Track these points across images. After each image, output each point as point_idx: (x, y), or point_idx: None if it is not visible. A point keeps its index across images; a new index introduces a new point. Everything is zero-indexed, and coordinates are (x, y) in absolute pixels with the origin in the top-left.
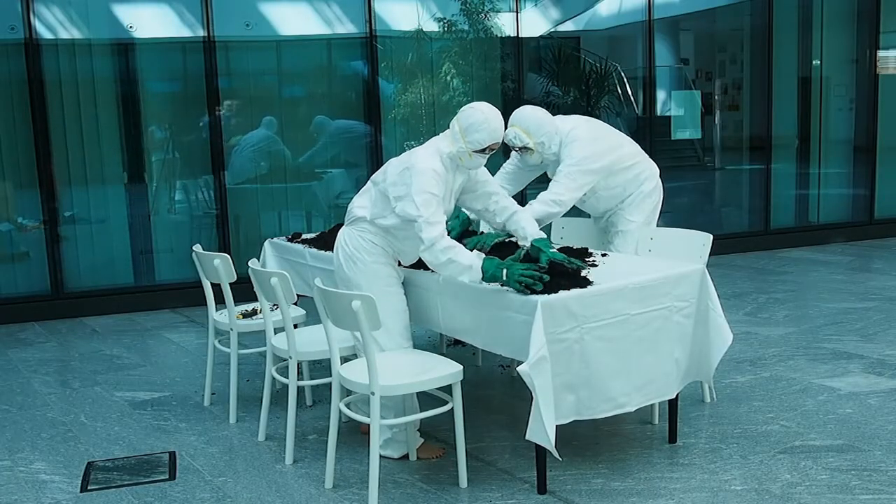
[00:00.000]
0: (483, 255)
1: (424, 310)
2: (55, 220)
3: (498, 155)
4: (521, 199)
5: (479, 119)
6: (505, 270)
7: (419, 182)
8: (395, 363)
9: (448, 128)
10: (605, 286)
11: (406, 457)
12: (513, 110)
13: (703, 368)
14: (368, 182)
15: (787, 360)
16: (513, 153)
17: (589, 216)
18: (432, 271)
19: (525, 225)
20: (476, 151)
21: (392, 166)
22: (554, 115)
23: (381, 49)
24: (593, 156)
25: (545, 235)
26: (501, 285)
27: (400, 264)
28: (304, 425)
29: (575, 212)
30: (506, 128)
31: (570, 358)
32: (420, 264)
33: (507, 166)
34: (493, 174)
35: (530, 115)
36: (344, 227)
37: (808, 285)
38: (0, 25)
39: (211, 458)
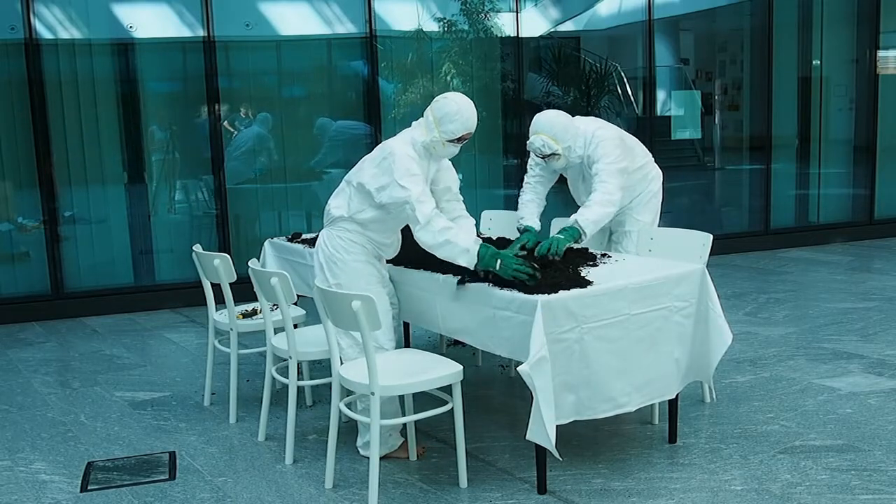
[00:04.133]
0: (480, 241)
1: (423, 310)
2: (55, 220)
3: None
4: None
5: (453, 110)
6: (500, 261)
7: (400, 166)
8: (396, 363)
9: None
10: (604, 286)
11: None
12: (513, 110)
13: (703, 368)
14: (342, 182)
15: (787, 360)
16: (531, 161)
17: None
18: (431, 271)
19: (464, 235)
20: (449, 141)
21: (367, 161)
22: None
23: (381, 49)
24: (623, 154)
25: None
26: (492, 277)
27: (387, 261)
28: (304, 425)
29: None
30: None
31: (570, 358)
32: (419, 263)
33: (532, 174)
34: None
35: (555, 122)
36: (323, 229)
37: (808, 285)
38: (0, 25)
39: (211, 458)
